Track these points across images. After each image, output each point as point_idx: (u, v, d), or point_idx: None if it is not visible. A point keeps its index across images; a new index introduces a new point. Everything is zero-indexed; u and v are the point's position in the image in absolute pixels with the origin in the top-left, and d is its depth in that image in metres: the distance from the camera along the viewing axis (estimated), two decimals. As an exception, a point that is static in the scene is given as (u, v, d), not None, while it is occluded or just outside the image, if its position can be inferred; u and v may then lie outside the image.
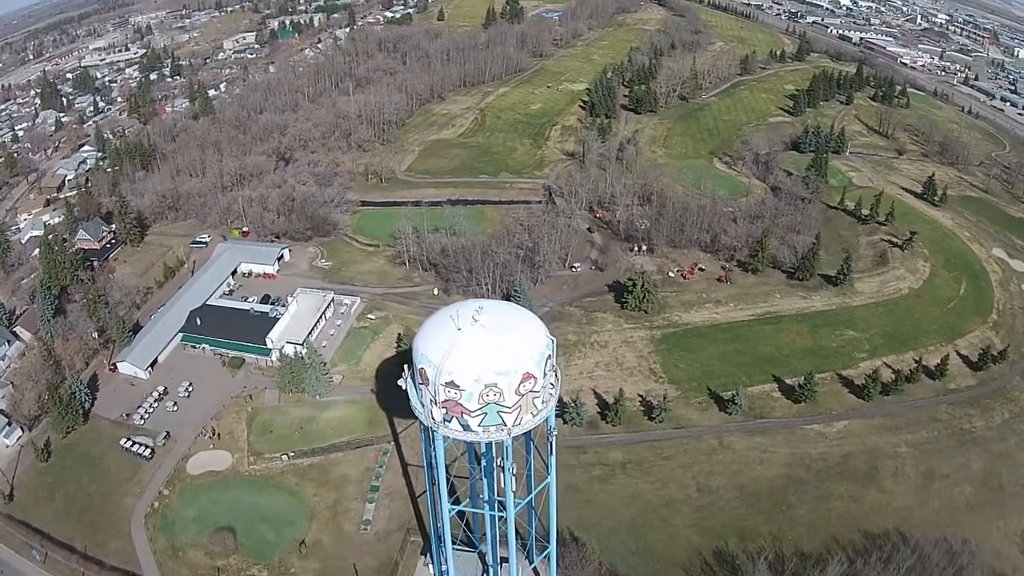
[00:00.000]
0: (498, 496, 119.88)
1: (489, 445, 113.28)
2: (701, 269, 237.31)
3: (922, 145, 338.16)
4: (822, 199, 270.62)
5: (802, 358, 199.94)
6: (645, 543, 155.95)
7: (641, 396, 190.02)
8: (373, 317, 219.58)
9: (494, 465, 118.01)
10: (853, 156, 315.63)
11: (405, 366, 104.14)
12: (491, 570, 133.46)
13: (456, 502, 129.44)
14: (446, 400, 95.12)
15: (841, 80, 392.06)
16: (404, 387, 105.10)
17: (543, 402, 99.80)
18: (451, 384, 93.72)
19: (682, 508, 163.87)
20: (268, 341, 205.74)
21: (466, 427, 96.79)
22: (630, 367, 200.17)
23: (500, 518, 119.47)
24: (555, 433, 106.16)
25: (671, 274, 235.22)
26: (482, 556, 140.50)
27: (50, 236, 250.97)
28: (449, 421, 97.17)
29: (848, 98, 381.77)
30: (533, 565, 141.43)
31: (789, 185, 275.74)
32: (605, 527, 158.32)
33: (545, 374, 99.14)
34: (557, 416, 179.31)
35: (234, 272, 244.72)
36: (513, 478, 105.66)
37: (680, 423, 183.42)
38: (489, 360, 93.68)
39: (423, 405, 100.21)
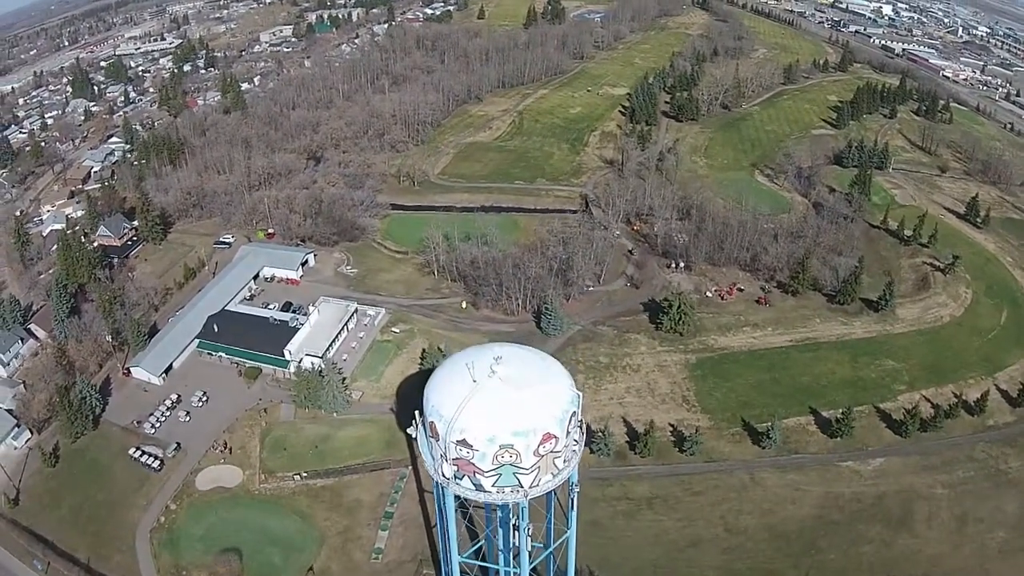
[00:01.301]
0: (513, 552, 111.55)
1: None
2: (740, 290, 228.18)
3: (964, 163, 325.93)
4: (865, 218, 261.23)
5: (840, 389, 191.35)
6: None
7: (672, 426, 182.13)
8: (397, 331, 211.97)
9: (510, 522, 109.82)
10: (896, 173, 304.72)
11: (417, 412, 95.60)
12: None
13: (473, 535, 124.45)
14: (457, 458, 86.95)
15: (884, 92, 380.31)
16: (415, 436, 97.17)
17: (565, 461, 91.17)
18: (463, 443, 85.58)
19: (709, 549, 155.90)
20: (286, 352, 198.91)
21: (479, 487, 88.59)
22: (662, 394, 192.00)
23: (515, 574, 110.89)
24: (577, 489, 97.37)
25: (708, 294, 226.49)
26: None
27: (69, 232, 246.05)
28: (461, 479, 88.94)
29: (891, 111, 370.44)
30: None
31: (832, 202, 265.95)
32: (627, 568, 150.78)
33: (568, 432, 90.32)
34: (584, 445, 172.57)
35: (256, 276, 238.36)
36: (529, 538, 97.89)
37: (711, 456, 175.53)
38: (506, 419, 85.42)
39: (433, 459, 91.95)
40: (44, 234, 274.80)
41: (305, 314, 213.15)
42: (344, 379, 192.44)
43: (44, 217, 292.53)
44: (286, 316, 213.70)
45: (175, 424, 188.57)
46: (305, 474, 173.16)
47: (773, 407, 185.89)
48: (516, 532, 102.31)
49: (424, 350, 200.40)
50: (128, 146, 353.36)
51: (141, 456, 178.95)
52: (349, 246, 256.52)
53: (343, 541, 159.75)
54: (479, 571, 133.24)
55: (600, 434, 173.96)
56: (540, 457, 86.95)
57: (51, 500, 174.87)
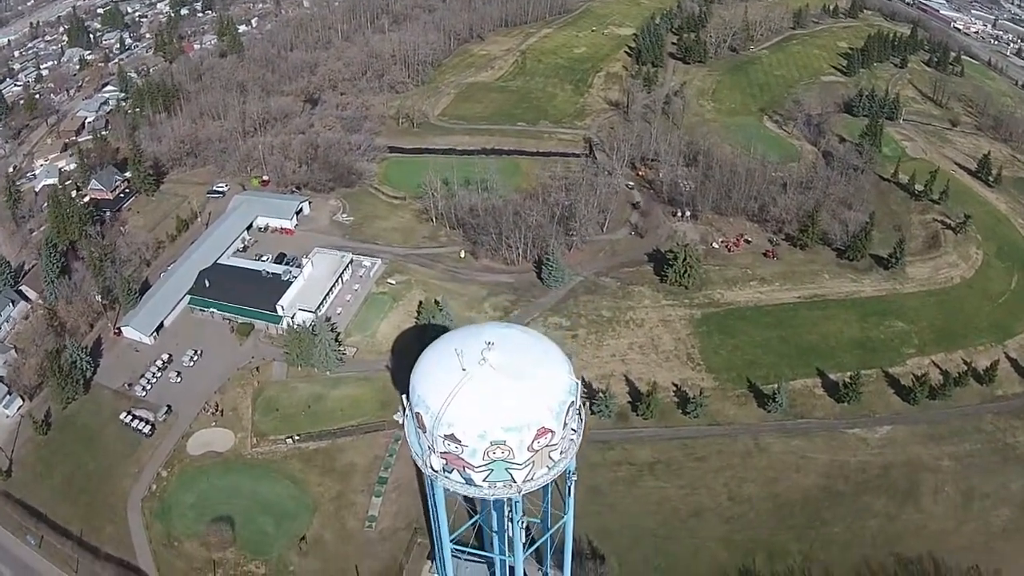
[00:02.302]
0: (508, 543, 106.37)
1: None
2: (747, 241, 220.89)
3: (976, 118, 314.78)
4: (875, 170, 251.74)
5: (848, 351, 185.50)
6: (668, 558, 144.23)
7: (676, 386, 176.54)
8: (393, 282, 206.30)
9: (504, 514, 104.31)
10: (907, 124, 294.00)
11: (404, 396, 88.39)
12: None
13: (473, 509, 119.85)
14: (446, 452, 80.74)
15: (895, 41, 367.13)
16: (401, 422, 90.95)
17: (561, 452, 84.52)
18: (451, 438, 79.22)
19: (711, 519, 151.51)
20: (279, 308, 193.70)
21: (469, 481, 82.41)
22: (666, 351, 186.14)
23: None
24: (575, 478, 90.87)
25: (715, 245, 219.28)
26: (491, 565, 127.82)
27: (59, 188, 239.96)
28: (450, 472, 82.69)
29: (902, 61, 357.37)
30: (546, 572, 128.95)
31: (842, 152, 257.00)
32: (627, 537, 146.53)
33: (565, 424, 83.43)
34: (584, 405, 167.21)
35: (249, 226, 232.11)
36: (523, 530, 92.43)
37: (716, 419, 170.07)
38: (497, 413, 78.66)
39: (420, 450, 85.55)
40: (37, 189, 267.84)
41: (299, 266, 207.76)
42: (337, 336, 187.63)
43: (37, 172, 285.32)
44: (279, 269, 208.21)
45: (166, 385, 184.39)
46: (298, 437, 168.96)
47: (780, 367, 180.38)
48: (510, 524, 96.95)
49: (421, 302, 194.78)
50: (123, 94, 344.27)
51: (132, 421, 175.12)
52: (345, 192, 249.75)
53: (336, 508, 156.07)
54: (475, 539, 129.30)
55: (601, 394, 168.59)
56: (534, 452, 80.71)
57: (43, 470, 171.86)
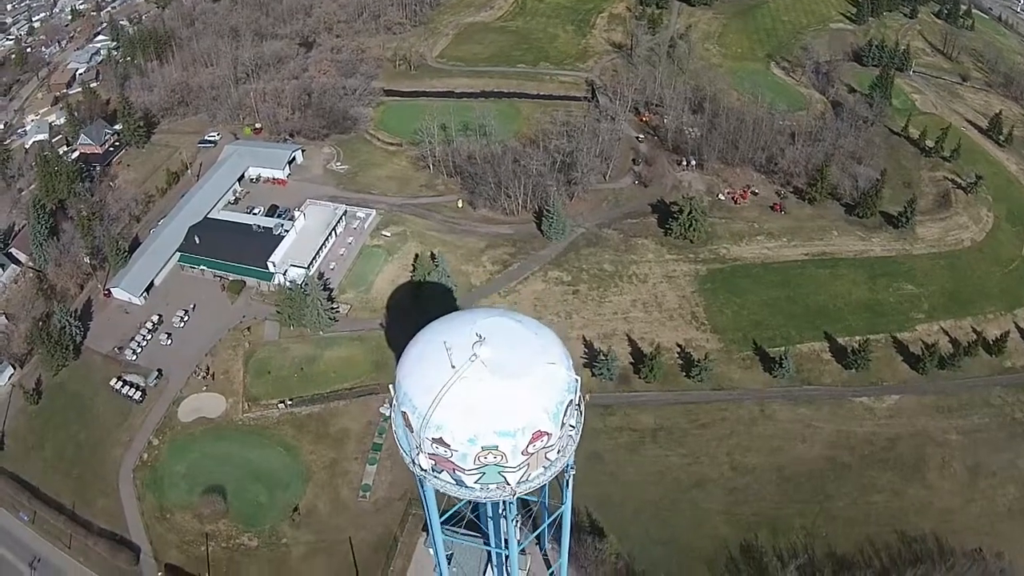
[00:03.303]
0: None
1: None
2: (754, 193, 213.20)
3: (986, 74, 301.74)
4: (886, 123, 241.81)
5: (857, 313, 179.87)
6: (669, 530, 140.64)
7: (680, 347, 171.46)
8: (388, 234, 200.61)
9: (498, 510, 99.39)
10: (916, 76, 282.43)
11: (391, 386, 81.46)
12: (495, 556, 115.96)
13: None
14: (434, 454, 74.85)
15: None
16: (387, 414, 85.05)
17: (559, 451, 78.20)
18: (439, 441, 73.08)
19: (713, 490, 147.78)
20: (270, 264, 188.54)
21: (459, 482, 76.51)
22: (670, 309, 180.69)
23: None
24: (573, 471, 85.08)
25: (721, 196, 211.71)
26: (487, 541, 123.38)
27: (46, 147, 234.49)
28: (439, 472, 76.81)
29: (912, 11, 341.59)
30: (544, 551, 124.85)
31: (852, 103, 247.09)
32: (628, 508, 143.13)
33: (564, 423, 77.06)
34: (585, 367, 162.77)
35: (241, 177, 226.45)
36: (518, 528, 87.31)
37: (720, 383, 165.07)
38: (489, 417, 71.90)
39: (408, 448, 79.45)
40: (27, 146, 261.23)
41: (291, 219, 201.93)
42: (331, 294, 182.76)
43: (28, 128, 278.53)
44: (271, 222, 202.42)
45: (156, 348, 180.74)
46: (290, 401, 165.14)
47: (787, 329, 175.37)
48: (504, 521, 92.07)
49: (417, 255, 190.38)
50: (114, 43, 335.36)
51: (122, 387, 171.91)
52: (340, 139, 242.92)
53: (329, 476, 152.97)
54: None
55: (603, 355, 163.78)
56: (529, 455, 74.73)
57: (35, 442, 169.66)
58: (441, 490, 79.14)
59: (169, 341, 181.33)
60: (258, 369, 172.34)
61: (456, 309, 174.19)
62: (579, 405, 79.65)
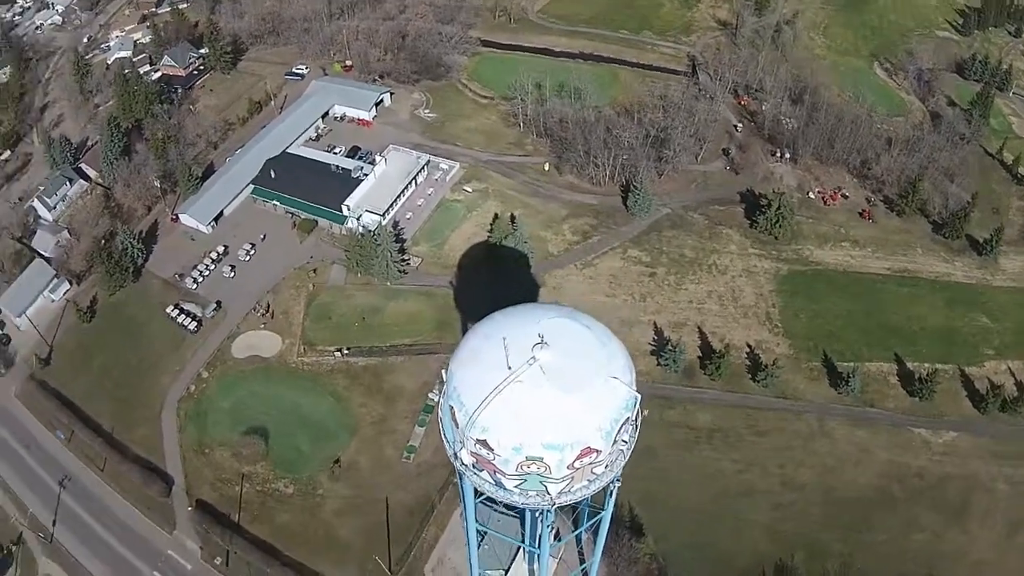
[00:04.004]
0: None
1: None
2: (844, 196, 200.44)
3: None
4: (981, 143, 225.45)
5: (930, 339, 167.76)
6: (708, 538, 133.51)
7: (750, 348, 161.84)
8: (469, 189, 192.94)
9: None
10: (1016, 98, 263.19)
11: (443, 371, 73.32)
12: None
13: None
14: (477, 454, 66.59)
15: (1012, 8, 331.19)
16: (436, 400, 76.83)
17: (607, 467, 69.38)
18: (483, 443, 64.77)
19: (760, 502, 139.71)
20: (344, 207, 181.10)
21: (499, 484, 68.31)
22: (745, 305, 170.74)
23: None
24: (618, 484, 76.16)
25: (811, 195, 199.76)
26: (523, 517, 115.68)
27: (128, 64, 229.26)
28: (480, 471, 68.62)
29: (1017, 29, 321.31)
30: (579, 533, 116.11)
31: (951, 117, 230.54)
32: (670, 509, 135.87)
33: (615, 440, 68.11)
34: (652, 354, 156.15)
35: (325, 114, 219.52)
36: (552, 532, 79.41)
37: (784, 392, 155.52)
38: (538, 429, 63.81)
39: (451, 439, 71.32)
40: (109, 62, 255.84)
41: (371, 163, 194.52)
42: (403, 245, 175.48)
43: (111, 44, 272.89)
44: (350, 164, 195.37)
45: (218, 280, 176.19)
46: (347, 351, 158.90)
47: (859, 345, 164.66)
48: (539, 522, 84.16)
49: (497, 215, 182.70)
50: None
51: (179, 316, 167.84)
52: (431, 86, 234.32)
53: (376, 432, 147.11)
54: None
55: (672, 346, 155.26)
56: (575, 469, 66.13)
57: (83, 360, 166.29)
58: (479, 488, 71.17)
59: (232, 274, 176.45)
60: (319, 313, 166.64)
61: (530, 277, 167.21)
62: (636, 421, 70.75)
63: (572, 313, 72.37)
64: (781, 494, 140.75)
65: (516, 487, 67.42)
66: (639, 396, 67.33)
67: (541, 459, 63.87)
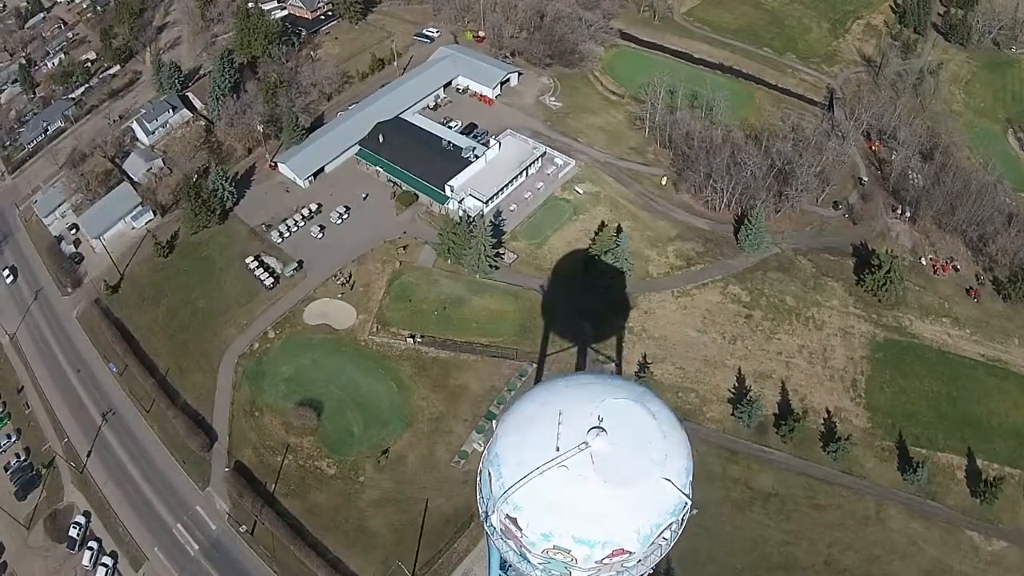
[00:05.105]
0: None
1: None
2: (956, 268, 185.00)
3: None
4: None
5: (1006, 438, 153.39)
6: None
7: (828, 413, 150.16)
8: (580, 191, 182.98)
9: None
10: None
11: (494, 423, 64.51)
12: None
13: None
14: (505, 527, 57.80)
15: None
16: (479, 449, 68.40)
17: (639, 562, 59.74)
18: (513, 521, 55.86)
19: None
20: (448, 187, 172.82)
21: (524, 558, 59.45)
22: (834, 368, 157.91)
23: None
24: (651, 573, 67.06)
25: (923, 260, 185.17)
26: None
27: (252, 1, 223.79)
28: (507, 539, 59.81)
29: None
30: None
31: None
32: (708, 570, 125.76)
33: (653, 542, 58.31)
34: (728, 401, 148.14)
35: (448, 84, 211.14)
36: None
37: (852, 467, 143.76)
38: (573, 521, 55.20)
39: (484, 498, 62.66)
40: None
41: (485, 144, 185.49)
42: (500, 237, 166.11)
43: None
44: (463, 142, 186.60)
45: (305, 238, 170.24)
46: (420, 338, 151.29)
47: (936, 431, 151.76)
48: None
49: (603, 223, 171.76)
50: None
51: (257, 268, 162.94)
52: (561, 73, 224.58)
53: (431, 430, 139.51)
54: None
55: (750, 398, 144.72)
56: (602, 564, 56.84)
57: (151, 295, 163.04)
58: (503, 555, 62.65)
59: (320, 235, 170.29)
60: (400, 293, 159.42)
61: (624, 297, 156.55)
62: (683, 523, 60.79)
63: (642, 395, 62.20)
64: (821, 574, 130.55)
65: (540, 564, 59.10)
66: (689, 502, 57.41)
67: (569, 551, 55.23)
